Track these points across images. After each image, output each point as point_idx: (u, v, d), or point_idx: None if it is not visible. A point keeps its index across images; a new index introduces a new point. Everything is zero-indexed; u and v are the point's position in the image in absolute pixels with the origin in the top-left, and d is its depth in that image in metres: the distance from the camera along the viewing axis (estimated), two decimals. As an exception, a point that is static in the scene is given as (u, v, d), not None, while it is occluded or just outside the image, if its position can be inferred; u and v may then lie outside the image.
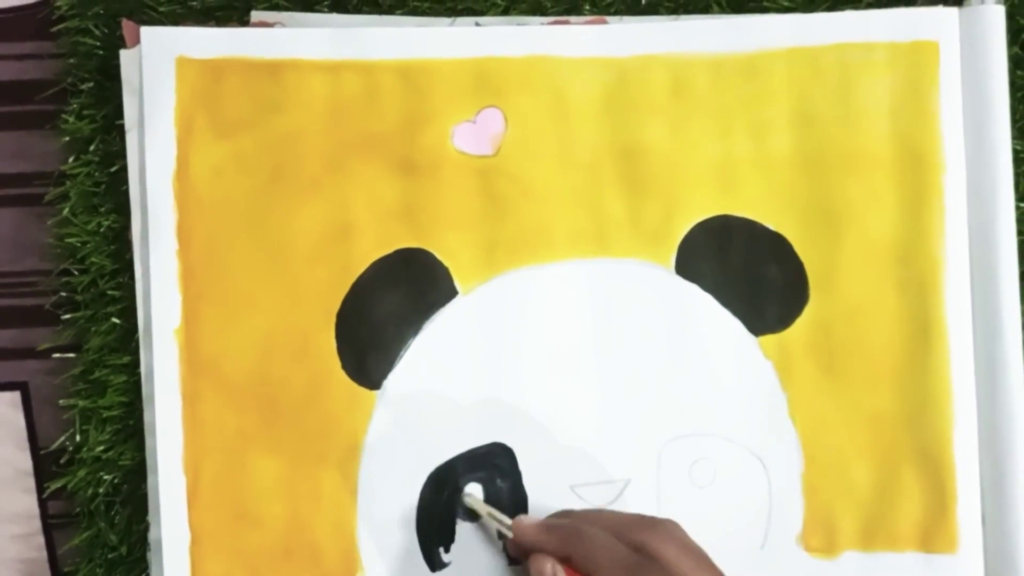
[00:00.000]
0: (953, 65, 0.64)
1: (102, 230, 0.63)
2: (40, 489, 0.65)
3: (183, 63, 0.62)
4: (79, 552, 0.64)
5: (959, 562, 0.64)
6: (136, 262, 0.62)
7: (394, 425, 0.63)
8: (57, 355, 0.64)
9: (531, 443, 0.63)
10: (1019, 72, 0.65)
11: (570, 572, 0.55)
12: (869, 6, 0.65)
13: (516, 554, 0.60)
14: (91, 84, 0.63)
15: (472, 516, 0.63)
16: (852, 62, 0.64)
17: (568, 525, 0.57)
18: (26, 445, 0.65)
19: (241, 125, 0.62)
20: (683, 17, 0.65)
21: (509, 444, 0.63)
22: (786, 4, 0.65)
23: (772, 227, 0.65)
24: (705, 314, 0.64)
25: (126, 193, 0.62)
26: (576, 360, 0.64)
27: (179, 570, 0.61)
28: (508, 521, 0.59)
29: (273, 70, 0.62)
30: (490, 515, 0.61)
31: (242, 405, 0.62)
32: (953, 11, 0.64)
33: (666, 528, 0.56)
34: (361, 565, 0.62)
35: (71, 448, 0.63)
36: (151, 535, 0.62)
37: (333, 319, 0.63)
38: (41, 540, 0.65)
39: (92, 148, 0.63)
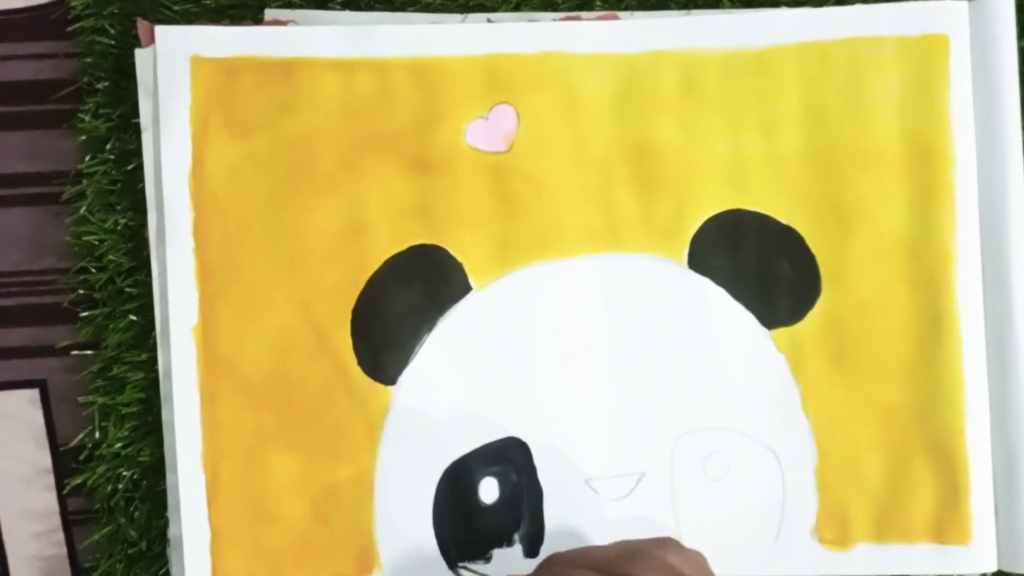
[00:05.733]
0: (963, 58, 0.64)
1: (119, 228, 0.63)
2: (59, 486, 0.65)
3: (198, 62, 0.62)
4: (99, 548, 0.64)
5: (972, 553, 0.64)
6: (153, 260, 0.62)
7: (410, 421, 0.63)
8: (75, 352, 0.64)
9: (545, 437, 0.64)
10: (1030, 65, 0.65)
11: None
12: None
13: None
14: (107, 83, 0.63)
15: None
16: (861, 56, 0.64)
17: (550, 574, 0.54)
18: (45, 442, 0.65)
19: (256, 125, 0.62)
20: (694, 12, 0.65)
21: (523, 439, 0.64)
22: (796, -2, 0.66)
23: (784, 221, 0.65)
24: (717, 308, 0.64)
25: (143, 191, 0.63)
26: (589, 354, 0.64)
27: (200, 567, 0.62)
28: None
29: (287, 69, 0.63)
30: None
31: (259, 402, 0.62)
32: (963, 4, 0.64)
33: (651, 555, 0.52)
34: (378, 561, 0.63)
35: (90, 445, 0.63)
36: (170, 532, 0.62)
37: (348, 316, 0.63)
38: (61, 537, 0.66)
39: (108, 147, 0.63)
